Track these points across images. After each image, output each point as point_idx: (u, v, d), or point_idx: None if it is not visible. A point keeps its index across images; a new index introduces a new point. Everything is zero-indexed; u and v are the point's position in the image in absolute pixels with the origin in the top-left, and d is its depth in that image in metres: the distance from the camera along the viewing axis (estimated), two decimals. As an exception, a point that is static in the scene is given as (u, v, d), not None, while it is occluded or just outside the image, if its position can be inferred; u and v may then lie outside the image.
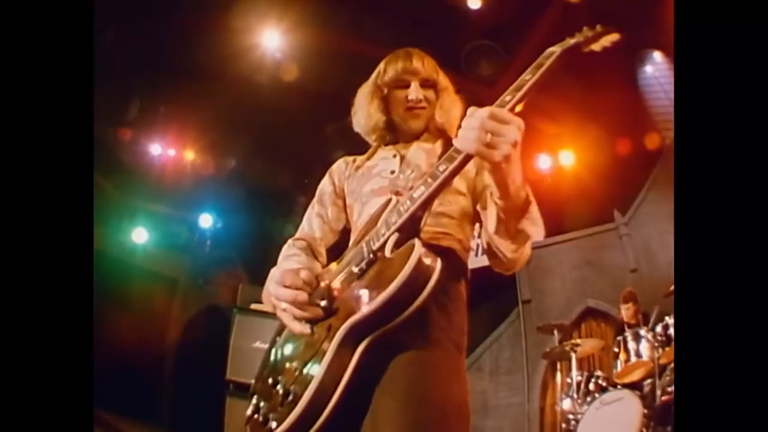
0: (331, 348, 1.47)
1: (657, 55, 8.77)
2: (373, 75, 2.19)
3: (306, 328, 1.60)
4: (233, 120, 9.00)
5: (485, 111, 1.43)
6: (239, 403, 6.37)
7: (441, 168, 1.55)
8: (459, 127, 1.61)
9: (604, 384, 5.63)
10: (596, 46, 1.73)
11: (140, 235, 10.69)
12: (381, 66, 2.17)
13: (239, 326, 6.97)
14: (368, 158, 2.16)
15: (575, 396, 5.66)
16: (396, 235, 1.59)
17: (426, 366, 1.57)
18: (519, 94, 1.52)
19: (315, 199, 2.20)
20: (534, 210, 1.60)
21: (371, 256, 1.59)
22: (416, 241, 1.48)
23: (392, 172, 2.00)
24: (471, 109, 1.49)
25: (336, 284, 1.66)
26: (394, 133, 2.17)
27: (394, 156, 2.07)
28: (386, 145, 2.17)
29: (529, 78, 1.58)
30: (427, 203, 1.59)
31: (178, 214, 11.10)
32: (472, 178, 1.95)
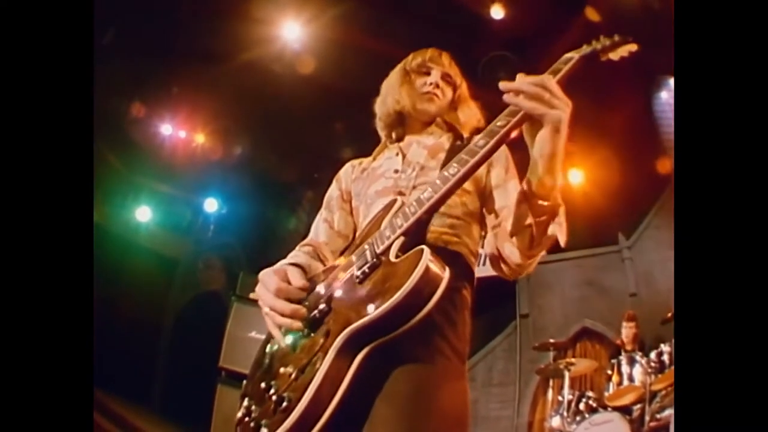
0: (328, 356, 1.39)
1: (672, 82, 8.74)
2: (401, 63, 2.21)
3: (282, 342, 1.56)
4: (246, 108, 9.02)
5: (547, 75, 1.49)
6: (230, 391, 6.36)
7: (451, 171, 1.51)
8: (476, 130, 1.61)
9: (594, 405, 5.63)
10: (614, 55, 1.71)
11: (144, 214, 10.72)
12: (409, 56, 2.20)
13: (236, 314, 6.96)
14: (374, 159, 2.16)
15: (565, 414, 5.65)
16: (401, 238, 1.52)
17: (427, 376, 1.51)
18: None
19: (323, 206, 2.16)
20: (563, 214, 1.58)
21: (375, 259, 1.51)
22: (425, 249, 1.41)
23: (396, 171, 1.97)
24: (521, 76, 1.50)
25: (336, 287, 1.58)
26: (404, 127, 2.15)
27: (397, 154, 2.04)
28: (392, 143, 2.15)
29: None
30: (434, 208, 1.54)
31: (183, 196, 11.13)
32: (482, 176, 1.89)
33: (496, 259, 1.70)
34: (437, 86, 2.09)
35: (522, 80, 1.46)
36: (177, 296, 12.07)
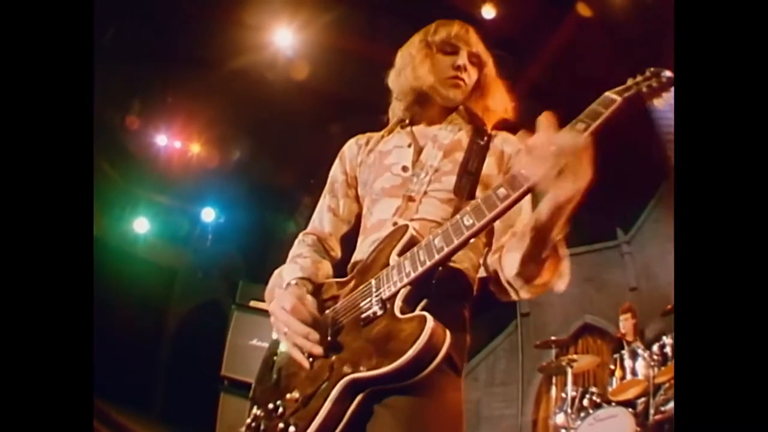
0: (331, 396, 1.45)
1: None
2: (420, 33, 2.05)
3: (305, 361, 1.58)
4: (241, 115, 9.01)
5: (568, 139, 1.29)
6: (232, 399, 6.36)
7: (466, 222, 1.43)
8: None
9: (598, 400, 5.62)
10: (659, 103, 1.46)
11: (142, 225, 10.71)
12: (431, 26, 2.03)
13: (237, 323, 6.95)
14: (382, 137, 2.05)
15: (569, 411, 5.64)
16: (408, 287, 1.51)
17: (426, 393, 1.49)
18: None
19: (326, 188, 2.09)
20: (564, 262, 1.49)
21: (379, 305, 1.51)
22: (428, 319, 1.39)
23: (404, 169, 1.87)
24: (536, 136, 1.32)
25: (341, 320, 1.62)
26: (421, 109, 2.02)
27: (409, 145, 1.93)
28: (404, 127, 2.03)
29: (581, 129, 1.35)
30: (444, 260, 1.48)
31: (180, 206, 11.12)
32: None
33: (500, 287, 1.64)
34: (464, 69, 1.94)
35: (550, 142, 1.28)
36: (177, 306, 12.07)
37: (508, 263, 1.55)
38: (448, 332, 1.40)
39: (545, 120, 1.32)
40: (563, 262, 1.50)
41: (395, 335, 1.42)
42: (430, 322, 1.38)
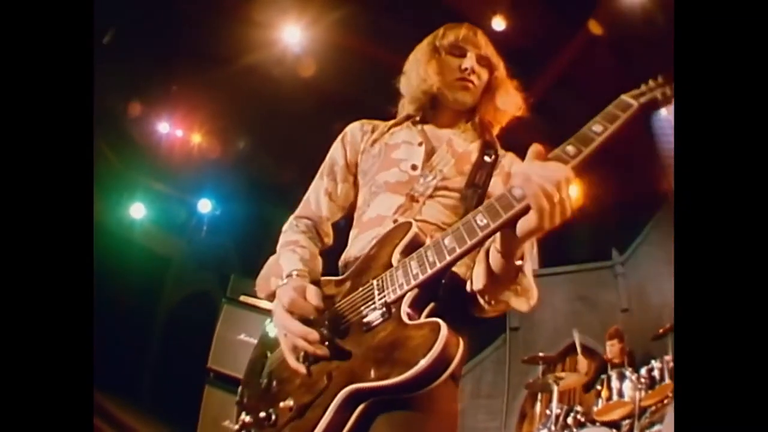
0: (330, 408, 1.38)
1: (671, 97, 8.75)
2: (429, 38, 2.04)
3: (301, 368, 1.51)
4: (245, 109, 8.99)
5: (570, 172, 1.27)
6: (217, 392, 6.34)
7: (480, 222, 1.35)
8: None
9: (582, 419, 5.62)
10: (671, 111, 1.46)
11: (138, 211, 10.69)
12: (440, 30, 2.02)
13: (226, 316, 6.93)
14: (388, 129, 2.01)
15: (553, 428, 5.64)
16: (415, 291, 1.44)
17: (427, 403, 1.43)
18: (586, 151, 1.33)
19: (324, 170, 2.03)
20: (524, 282, 1.49)
21: (384, 309, 1.44)
22: (441, 326, 1.32)
23: (413, 167, 1.84)
24: (534, 150, 1.32)
25: (340, 324, 1.53)
26: (433, 110, 2.00)
27: (420, 144, 1.90)
28: (415, 124, 1.99)
29: (599, 131, 1.36)
30: (454, 263, 1.42)
31: (178, 195, 11.09)
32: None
33: (474, 301, 1.60)
34: (473, 71, 1.92)
35: (542, 173, 1.26)
36: (169, 294, 12.05)
37: (476, 276, 1.52)
38: (461, 341, 1.34)
39: (533, 151, 1.32)
40: (525, 281, 1.49)
41: (403, 343, 1.36)
42: (444, 329, 1.31)
